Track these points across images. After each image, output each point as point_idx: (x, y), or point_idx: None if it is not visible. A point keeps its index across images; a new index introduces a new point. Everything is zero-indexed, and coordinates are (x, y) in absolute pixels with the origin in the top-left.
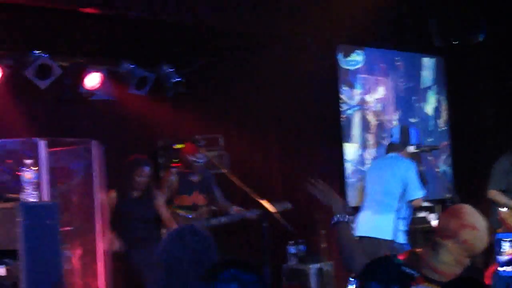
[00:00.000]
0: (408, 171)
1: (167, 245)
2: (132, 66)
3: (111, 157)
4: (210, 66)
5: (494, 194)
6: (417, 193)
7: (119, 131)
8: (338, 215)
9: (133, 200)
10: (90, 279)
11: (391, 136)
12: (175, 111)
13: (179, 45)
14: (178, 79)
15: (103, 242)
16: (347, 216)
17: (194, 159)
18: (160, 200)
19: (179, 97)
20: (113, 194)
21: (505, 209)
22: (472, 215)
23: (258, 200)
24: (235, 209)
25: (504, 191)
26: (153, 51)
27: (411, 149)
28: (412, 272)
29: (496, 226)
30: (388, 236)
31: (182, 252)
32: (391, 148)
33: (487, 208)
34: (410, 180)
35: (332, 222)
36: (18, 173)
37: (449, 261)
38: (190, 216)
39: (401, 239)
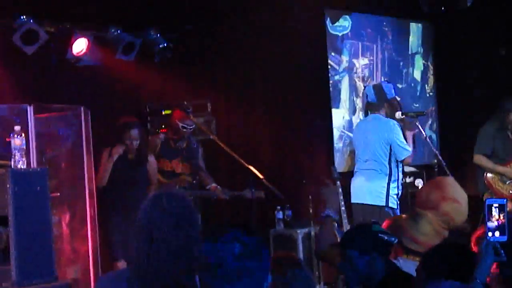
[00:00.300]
0: (390, 132)
1: (145, 211)
2: (119, 31)
3: (100, 123)
4: (197, 31)
5: (480, 159)
6: (404, 152)
7: (107, 97)
8: (329, 210)
9: (125, 162)
10: (78, 244)
11: (366, 96)
12: (163, 76)
13: (166, 10)
14: (165, 44)
15: (91, 208)
16: (336, 213)
17: (183, 125)
18: (151, 164)
19: (166, 63)
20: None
21: (490, 175)
22: (454, 187)
23: (246, 165)
24: (212, 187)
25: (489, 156)
26: (140, 16)
27: (398, 115)
28: (390, 239)
29: (483, 190)
30: (380, 202)
31: (161, 217)
32: (369, 108)
33: (473, 172)
34: (394, 140)
35: (323, 215)
36: (7, 139)
37: (429, 232)
38: (164, 181)
39: (393, 203)
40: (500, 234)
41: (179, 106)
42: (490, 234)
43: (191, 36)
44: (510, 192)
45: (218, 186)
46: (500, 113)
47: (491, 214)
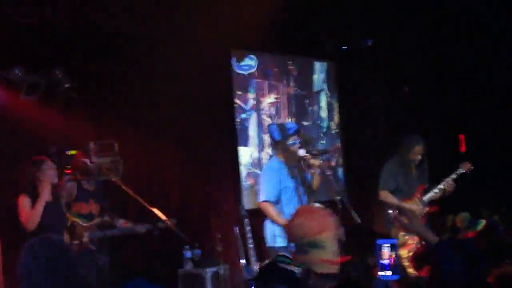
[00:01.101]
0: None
1: (21, 258)
2: (23, 71)
3: (4, 164)
4: (103, 71)
5: (385, 195)
6: (258, 197)
7: (11, 138)
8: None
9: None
10: None
11: (270, 136)
12: (68, 117)
13: (71, 51)
14: (70, 84)
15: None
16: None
17: (87, 163)
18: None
19: (72, 103)
20: (27, 198)
21: (392, 211)
22: (317, 208)
23: (150, 208)
24: (121, 223)
25: (394, 192)
26: (44, 56)
27: (301, 153)
28: (293, 269)
29: (389, 227)
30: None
31: (32, 264)
32: (273, 148)
33: (379, 209)
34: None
35: None
36: None
37: (335, 249)
38: (85, 225)
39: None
40: (393, 274)
41: (82, 146)
42: (381, 273)
43: (97, 76)
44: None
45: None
46: (401, 150)
47: (382, 253)
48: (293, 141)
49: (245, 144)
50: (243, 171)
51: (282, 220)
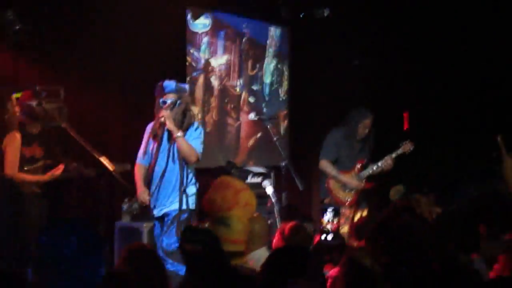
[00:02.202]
0: None
1: None
2: None
3: None
4: (55, 15)
5: (325, 164)
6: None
7: None
8: None
9: None
10: None
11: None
12: (17, 60)
13: None
14: (21, 26)
15: None
16: None
17: (33, 106)
18: None
19: (21, 46)
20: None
21: (332, 181)
22: (236, 180)
23: (97, 156)
24: (72, 166)
25: (334, 162)
26: None
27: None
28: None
29: (324, 196)
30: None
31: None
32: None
33: (319, 177)
34: None
35: None
36: None
37: (241, 228)
38: (26, 168)
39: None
40: (333, 238)
41: (29, 89)
42: (323, 236)
43: (48, 20)
44: (347, 199)
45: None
46: (349, 122)
47: (325, 218)
48: (162, 100)
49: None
50: None
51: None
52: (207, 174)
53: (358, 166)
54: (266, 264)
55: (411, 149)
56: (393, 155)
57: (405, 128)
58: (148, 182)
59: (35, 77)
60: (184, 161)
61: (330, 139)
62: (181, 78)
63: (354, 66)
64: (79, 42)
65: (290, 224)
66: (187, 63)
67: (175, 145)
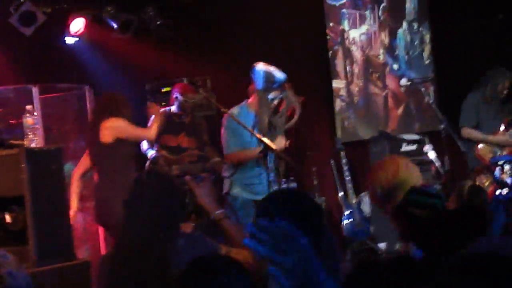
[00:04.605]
0: None
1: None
2: (115, 9)
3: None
4: (195, 8)
5: (468, 131)
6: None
7: (106, 76)
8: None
9: None
10: (89, 223)
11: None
12: (161, 53)
13: None
14: (162, 21)
15: None
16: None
17: (185, 99)
18: None
19: (164, 40)
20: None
21: (481, 145)
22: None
23: (259, 137)
24: (217, 160)
25: (475, 127)
26: None
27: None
28: None
29: (474, 165)
30: None
31: (140, 193)
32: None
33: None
34: None
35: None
36: (11, 121)
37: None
38: (170, 157)
39: None
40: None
41: (183, 81)
42: (499, 191)
43: (189, 13)
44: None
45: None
46: (487, 83)
47: (503, 170)
48: (273, 96)
49: (335, 77)
50: (338, 104)
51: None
52: (359, 146)
53: (503, 126)
54: (445, 226)
55: None
56: None
57: None
58: None
59: (181, 69)
60: None
61: (467, 103)
62: (322, 53)
63: (499, 21)
64: (221, 31)
65: (468, 184)
66: (328, 37)
67: None
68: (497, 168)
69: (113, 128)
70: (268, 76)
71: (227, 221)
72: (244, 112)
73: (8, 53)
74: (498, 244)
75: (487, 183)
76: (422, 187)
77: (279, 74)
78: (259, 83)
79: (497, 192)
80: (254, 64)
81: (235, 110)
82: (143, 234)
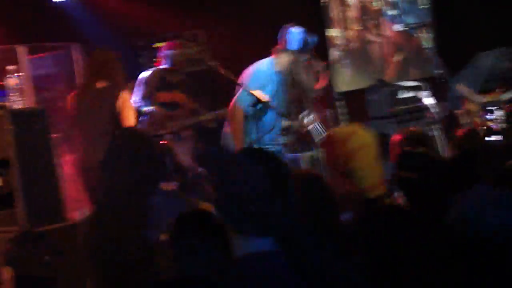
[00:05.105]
0: None
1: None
2: None
3: None
4: None
5: (462, 88)
6: None
7: (97, 33)
8: None
9: None
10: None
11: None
12: (152, 8)
13: None
14: None
15: None
16: None
17: (176, 53)
18: None
19: None
20: None
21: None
22: (340, 129)
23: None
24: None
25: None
26: None
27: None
28: None
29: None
30: None
31: (117, 153)
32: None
33: None
34: None
35: None
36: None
37: (370, 171)
38: (167, 113)
39: None
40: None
41: (172, 37)
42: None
43: None
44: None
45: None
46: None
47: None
48: (304, 58)
49: (330, 25)
50: (334, 53)
51: None
52: (357, 96)
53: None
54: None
55: None
56: None
57: None
58: None
59: (173, 23)
60: None
61: (475, 66)
62: (315, 1)
63: None
64: None
65: (464, 129)
66: None
67: None
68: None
69: (125, 103)
70: (305, 38)
71: (205, 179)
72: (270, 69)
73: None
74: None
75: (475, 110)
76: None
77: (312, 37)
78: (294, 43)
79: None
80: (287, 25)
81: (263, 65)
82: (120, 194)
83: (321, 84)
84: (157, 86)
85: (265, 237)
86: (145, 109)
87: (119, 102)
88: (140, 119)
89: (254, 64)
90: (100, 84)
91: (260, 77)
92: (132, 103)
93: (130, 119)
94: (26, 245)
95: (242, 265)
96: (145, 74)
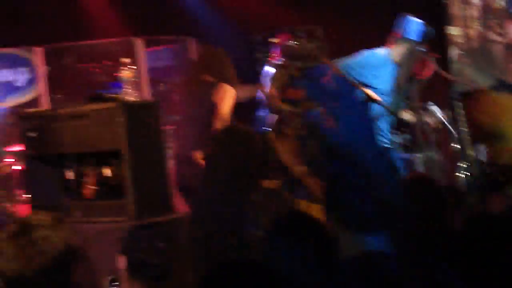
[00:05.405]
0: None
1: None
2: None
3: None
4: None
5: None
6: None
7: (214, 27)
8: None
9: None
10: None
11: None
12: (269, 3)
13: None
14: None
15: None
16: None
17: (293, 47)
18: None
19: None
20: None
21: None
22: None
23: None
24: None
25: None
26: None
27: None
28: None
29: None
30: None
31: (218, 151)
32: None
33: None
34: None
35: None
36: (116, 74)
37: None
38: (292, 110)
39: None
40: None
41: (287, 31)
42: None
43: None
44: None
45: None
46: None
47: None
48: (421, 49)
49: (450, 23)
50: (453, 51)
51: None
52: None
53: None
54: None
55: None
56: None
57: None
58: None
59: (291, 19)
60: None
61: None
62: None
63: None
64: None
65: None
66: None
67: None
68: None
69: (223, 95)
70: (424, 28)
71: (309, 177)
72: (385, 59)
73: (115, 6)
74: None
75: None
76: None
77: (430, 29)
78: (413, 33)
79: None
80: (404, 14)
81: (379, 54)
82: (222, 190)
83: (426, 73)
84: (285, 83)
85: (380, 236)
86: (273, 105)
87: (218, 94)
88: (266, 115)
89: (364, 52)
90: (206, 78)
91: (373, 66)
92: (230, 97)
93: (225, 112)
94: (141, 234)
95: (356, 263)
96: (270, 69)
